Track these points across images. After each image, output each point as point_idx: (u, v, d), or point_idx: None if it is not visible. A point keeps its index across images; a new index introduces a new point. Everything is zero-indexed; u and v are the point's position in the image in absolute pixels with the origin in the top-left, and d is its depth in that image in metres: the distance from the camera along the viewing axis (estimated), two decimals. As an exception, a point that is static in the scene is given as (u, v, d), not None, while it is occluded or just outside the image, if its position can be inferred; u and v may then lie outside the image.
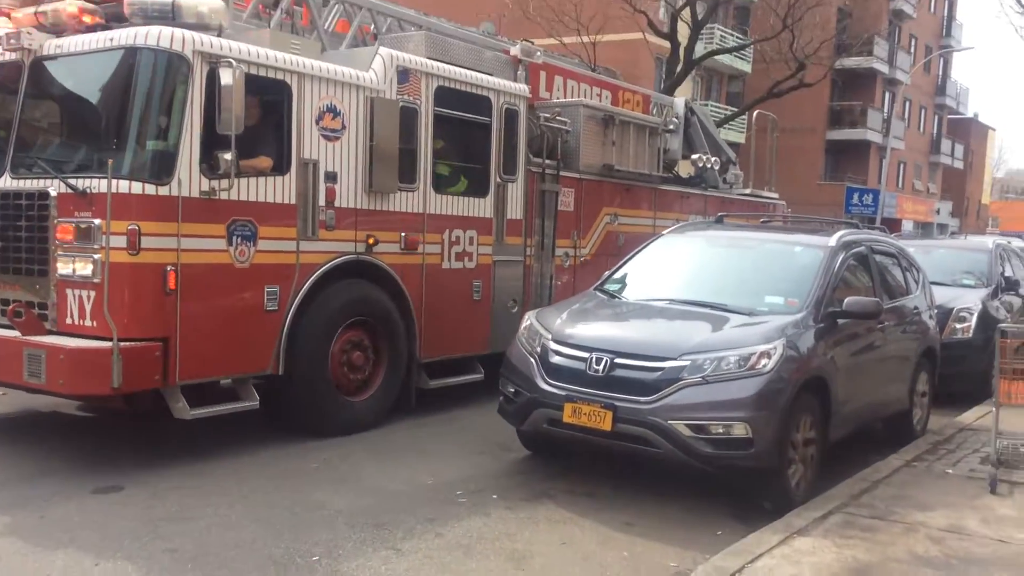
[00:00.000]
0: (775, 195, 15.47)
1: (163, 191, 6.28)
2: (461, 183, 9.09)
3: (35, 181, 6.56)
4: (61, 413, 8.02)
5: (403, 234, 8.21)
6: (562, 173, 10.18)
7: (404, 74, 8.14)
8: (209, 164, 6.52)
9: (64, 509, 5.66)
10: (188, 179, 6.38)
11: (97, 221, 6.19)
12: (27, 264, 6.64)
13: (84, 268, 6.26)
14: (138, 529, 5.38)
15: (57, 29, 6.77)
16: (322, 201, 7.43)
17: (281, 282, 7.11)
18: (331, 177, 7.51)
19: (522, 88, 9.59)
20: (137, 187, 6.21)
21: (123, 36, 6.42)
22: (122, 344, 6.06)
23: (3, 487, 6.04)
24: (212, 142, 6.49)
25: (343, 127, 7.59)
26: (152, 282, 6.26)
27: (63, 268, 6.38)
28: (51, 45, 6.73)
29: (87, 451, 6.93)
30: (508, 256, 9.50)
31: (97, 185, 6.20)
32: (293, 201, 7.19)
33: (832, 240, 7.36)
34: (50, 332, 6.46)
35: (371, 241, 7.84)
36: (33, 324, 6.38)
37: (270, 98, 7.18)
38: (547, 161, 9.97)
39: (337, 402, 7.62)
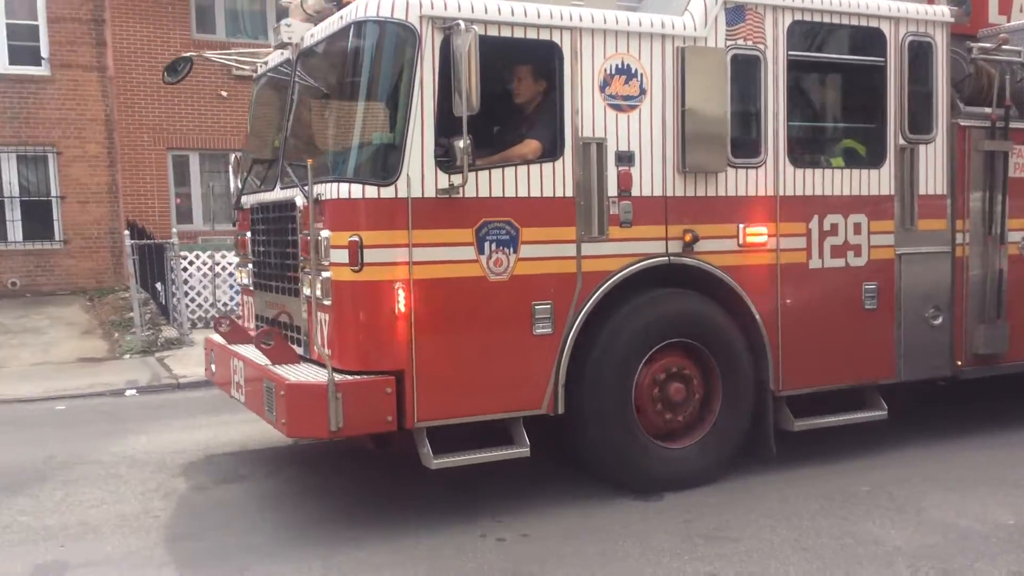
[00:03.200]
0: None
1: (387, 193, 5.17)
2: (837, 151, 6.76)
3: (289, 190, 5.92)
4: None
5: (741, 226, 6.16)
6: (1013, 125, 7.12)
7: (737, 12, 6.09)
8: (448, 156, 5.29)
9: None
10: (420, 176, 5.19)
11: (326, 233, 5.31)
12: (283, 283, 6.05)
13: (318, 287, 5.43)
14: (677, 546, 5.08)
15: (317, 16, 6.05)
16: (613, 191, 5.76)
17: (556, 297, 5.60)
18: (625, 158, 5.80)
19: (939, 11, 6.81)
20: (357, 190, 5.19)
21: (349, 11, 5.46)
22: (342, 379, 5.08)
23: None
24: (453, 129, 5.24)
25: (642, 92, 5.83)
26: (379, 303, 5.19)
27: (306, 287, 5.63)
28: (308, 36, 6.05)
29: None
30: (922, 247, 6.81)
31: (328, 191, 5.32)
32: (569, 193, 5.64)
33: None
34: (303, 360, 5.77)
35: (688, 238, 5.95)
36: (283, 351, 5.73)
37: (533, 65, 5.74)
38: (989, 110, 7.02)
39: (647, 450, 5.89)
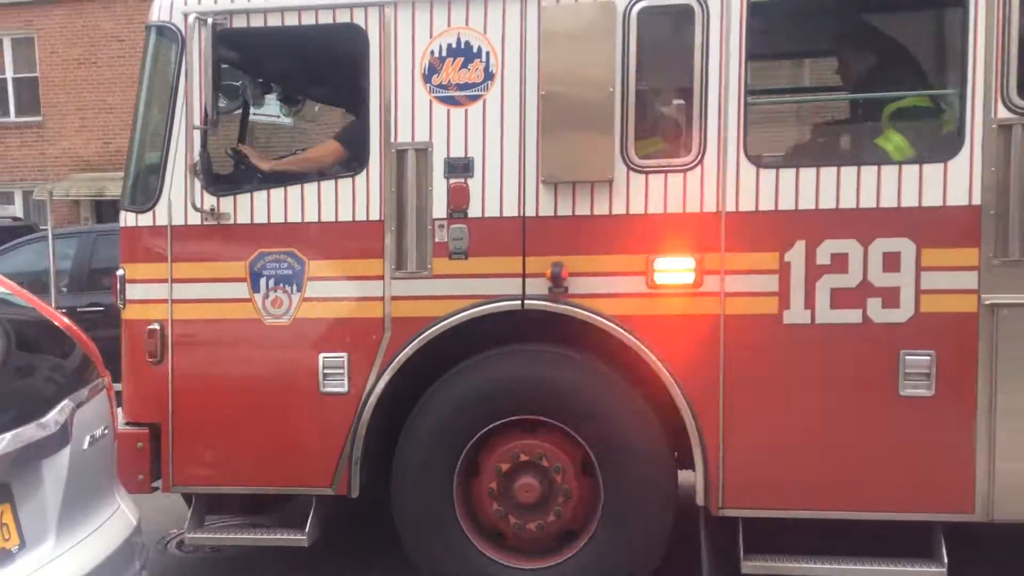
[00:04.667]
0: None
1: (144, 220, 4.52)
2: (833, 139, 4.39)
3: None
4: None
5: (651, 258, 4.16)
6: None
7: (650, -54, 4.16)
8: (217, 177, 4.49)
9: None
10: (184, 200, 4.47)
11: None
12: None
13: None
14: None
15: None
16: (440, 211, 4.32)
17: (353, 348, 4.36)
18: (459, 168, 4.31)
19: None
20: (122, 217, 4.66)
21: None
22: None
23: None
24: (231, 142, 4.45)
25: (487, 77, 4.29)
26: (136, 345, 4.56)
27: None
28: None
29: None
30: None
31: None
32: (376, 216, 4.37)
33: None
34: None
35: (549, 274, 4.19)
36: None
37: (337, 56, 4.59)
38: None
39: (482, 571, 4.30)
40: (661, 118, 4.37)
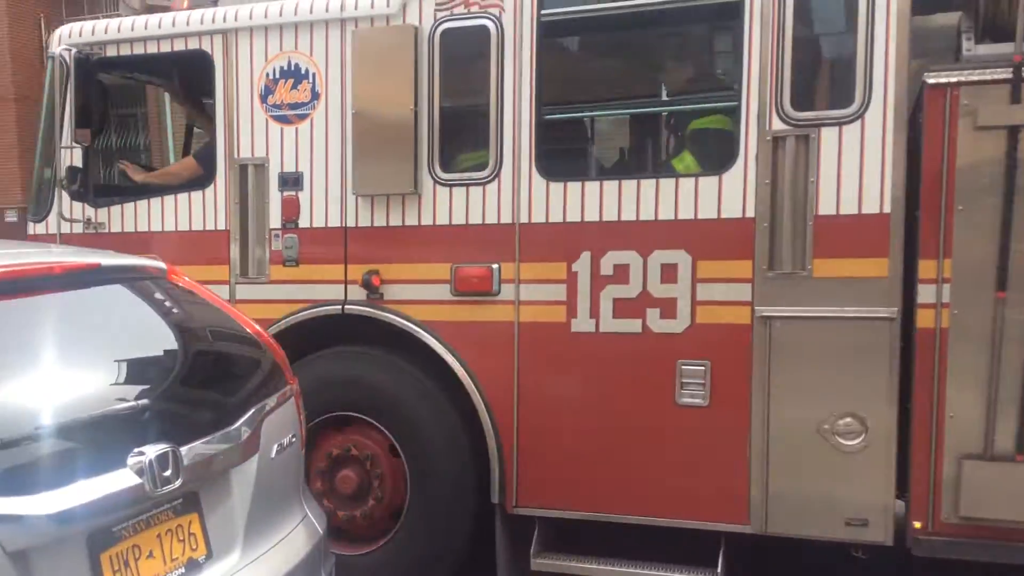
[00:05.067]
0: None
1: (40, 228, 5.12)
2: (627, 153, 4.31)
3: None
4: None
5: (453, 265, 4.39)
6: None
7: (454, -32, 4.35)
8: (96, 189, 5.03)
9: None
10: (70, 210, 5.04)
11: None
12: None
13: None
14: None
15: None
16: (276, 221, 4.69)
17: (204, 346, 4.82)
18: (291, 181, 4.66)
19: None
20: (31, 227, 5.26)
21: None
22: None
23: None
24: (107, 159, 4.98)
25: (314, 96, 4.60)
26: None
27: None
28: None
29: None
30: (825, 306, 3.87)
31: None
32: (222, 226, 4.79)
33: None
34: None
35: (361, 280, 4.49)
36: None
37: (192, 79, 5.00)
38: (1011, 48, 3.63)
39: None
40: (463, 134, 4.55)
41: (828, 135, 3.82)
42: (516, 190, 4.28)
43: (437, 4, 4.35)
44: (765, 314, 3.94)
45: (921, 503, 3.80)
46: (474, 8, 4.30)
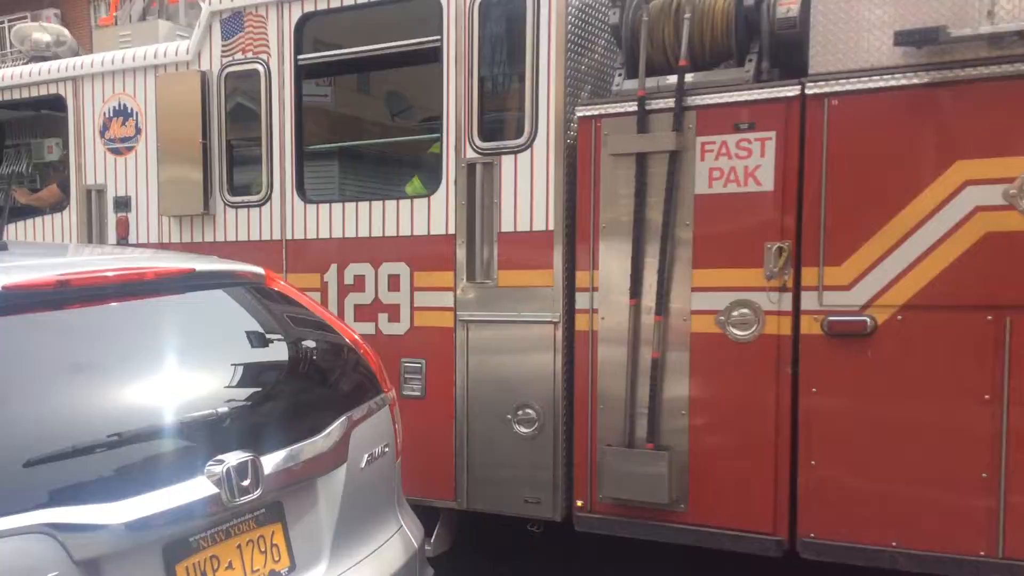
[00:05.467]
0: None
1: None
2: (367, 177, 4.94)
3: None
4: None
5: (237, 276, 5.13)
6: (697, 101, 3.97)
7: (235, 20, 5.08)
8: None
9: None
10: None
11: None
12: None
13: None
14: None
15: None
16: (113, 238, 5.56)
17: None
18: (122, 204, 5.51)
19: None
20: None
21: None
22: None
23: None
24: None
25: (137, 131, 5.44)
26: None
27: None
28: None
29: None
30: (504, 312, 4.45)
31: None
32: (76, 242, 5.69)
33: None
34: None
35: (169, 289, 5.29)
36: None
37: (55, 118, 5.88)
38: (635, 84, 4.11)
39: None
40: (245, 163, 5.27)
41: (507, 162, 4.38)
42: (283, 211, 5.00)
43: (223, 50, 5.10)
44: (464, 318, 4.53)
45: (582, 485, 4.32)
46: (249, 54, 5.03)
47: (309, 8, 4.83)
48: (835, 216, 3.74)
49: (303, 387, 2.85)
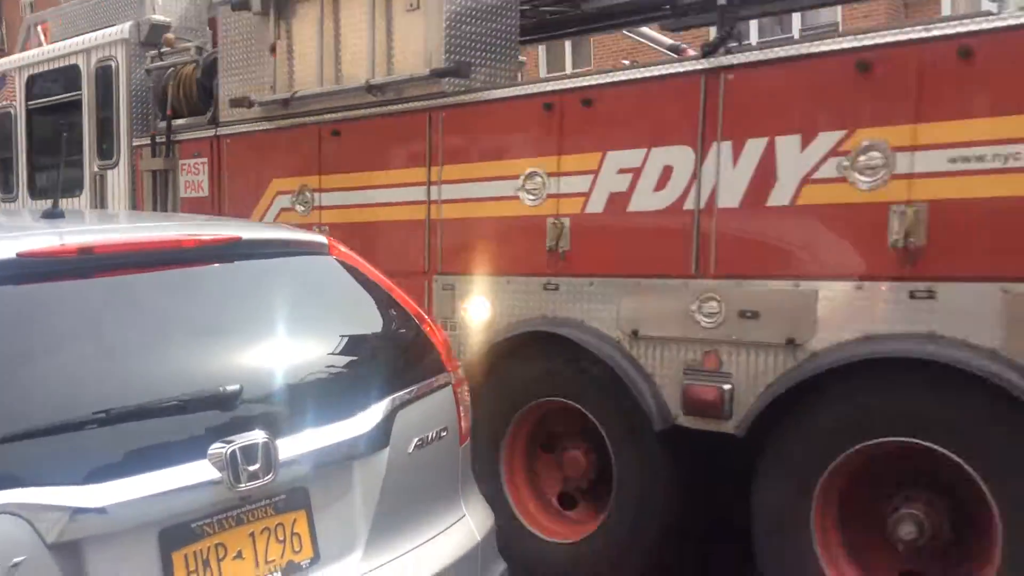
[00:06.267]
0: None
1: None
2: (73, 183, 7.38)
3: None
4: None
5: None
6: (183, 136, 6.24)
7: (3, 79, 7.71)
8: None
9: None
10: None
11: None
12: None
13: None
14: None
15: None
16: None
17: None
18: (-44, 199, 8.27)
19: (120, 31, 6.63)
20: None
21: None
22: None
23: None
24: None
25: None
26: None
27: None
28: None
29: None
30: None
31: None
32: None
33: None
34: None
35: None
36: None
37: None
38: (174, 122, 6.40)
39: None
40: (7, 173, 7.86)
41: (111, 175, 6.73)
42: (25, 207, 7.58)
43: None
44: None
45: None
46: (6, 102, 7.64)
47: (32, 71, 7.38)
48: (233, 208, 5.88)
49: (348, 364, 2.65)
